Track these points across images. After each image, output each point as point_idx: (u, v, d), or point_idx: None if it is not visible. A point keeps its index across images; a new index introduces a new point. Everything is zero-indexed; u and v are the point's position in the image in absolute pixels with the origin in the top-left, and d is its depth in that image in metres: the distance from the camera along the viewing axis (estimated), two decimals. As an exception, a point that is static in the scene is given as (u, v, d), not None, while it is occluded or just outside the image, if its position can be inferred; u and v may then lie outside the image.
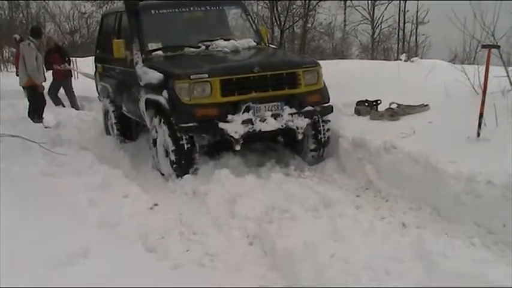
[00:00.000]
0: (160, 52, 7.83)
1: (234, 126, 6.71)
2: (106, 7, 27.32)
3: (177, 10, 8.54)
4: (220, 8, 9.04)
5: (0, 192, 5.85)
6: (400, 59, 13.00)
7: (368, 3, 42.35)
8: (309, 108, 7.12)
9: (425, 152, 5.97)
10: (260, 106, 6.89)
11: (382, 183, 6.41)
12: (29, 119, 11.34)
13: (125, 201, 6.04)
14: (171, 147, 6.93)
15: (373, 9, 42.68)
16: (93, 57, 10.64)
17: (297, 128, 7.00)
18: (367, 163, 6.71)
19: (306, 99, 7.15)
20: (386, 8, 41.71)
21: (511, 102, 6.68)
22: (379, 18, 42.60)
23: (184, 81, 6.76)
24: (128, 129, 9.20)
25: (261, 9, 31.53)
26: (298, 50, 28.76)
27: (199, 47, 7.93)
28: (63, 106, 13.63)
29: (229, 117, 6.74)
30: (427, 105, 7.76)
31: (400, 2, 39.85)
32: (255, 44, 8.40)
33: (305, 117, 7.05)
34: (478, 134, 6.19)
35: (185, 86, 6.74)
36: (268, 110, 6.92)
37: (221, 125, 6.71)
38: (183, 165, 6.95)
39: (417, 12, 38.94)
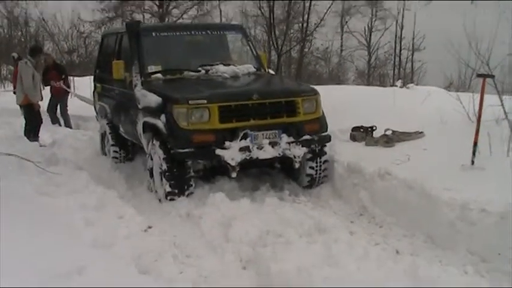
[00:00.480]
0: (159, 75, 7.85)
1: (231, 153, 6.69)
2: (105, 27, 27.44)
3: (177, 33, 8.61)
4: (221, 32, 9.12)
5: (-4, 211, 5.84)
6: (396, 85, 13.05)
7: (365, 29, 42.77)
8: (307, 137, 7.12)
9: (420, 179, 6.02)
10: (258, 133, 6.88)
11: (376, 210, 6.45)
12: (25, 137, 11.33)
13: (120, 222, 6.01)
14: (166, 171, 6.90)
15: (370, 35, 43.14)
16: (92, 76, 10.70)
17: (294, 157, 6.99)
18: (362, 189, 6.75)
19: (304, 127, 7.14)
20: (383, 35, 42.17)
21: (504, 130, 6.74)
22: (375, 44, 43.02)
23: (182, 105, 6.76)
24: (124, 150, 9.21)
25: (259, 33, 31.83)
26: (295, 75, 28.92)
27: (199, 71, 7.96)
28: (60, 125, 13.68)
29: (227, 143, 6.73)
30: (422, 132, 7.82)
31: (396, 29, 40.23)
32: (254, 70, 8.43)
33: (303, 146, 7.05)
34: (473, 162, 6.26)
35: (183, 111, 6.74)
36: (266, 138, 6.91)
37: (218, 151, 6.70)
38: (178, 188, 6.93)
39: (413, 39, 39.28)
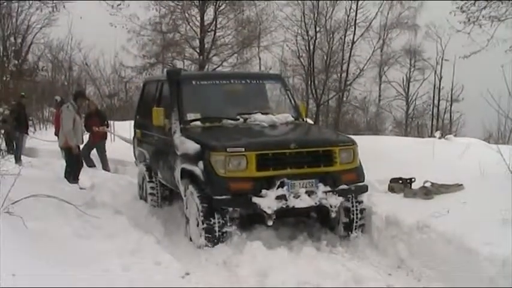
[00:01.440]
0: (198, 122, 7.96)
1: (268, 202, 6.69)
2: (146, 73, 27.93)
3: (217, 82, 8.73)
4: (260, 81, 9.21)
5: (34, 252, 5.91)
6: (435, 136, 12.99)
7: (403, 79, 42.75)
8: (344, 186, 7.11)
9: (459, 232, 5.92)
10: (295, 182, 6.87)
11: (414, 262, 6.35)
12: (65, 179, 11.51)
13: (157, 268, 6.04)
14: (203, 218, 6.92)
15: (408, 85, 43.09)
16: (133, 121, 10.87)
17: (331, 206, 6.96)
18: (400, 241, 6.66)
19: (341, 177, 7.14)
20: (421, 85, 42.09)
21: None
22: (413, 95, 42.91)
23: (220, 153, 6.81)
24: (162, 195, 9.28)
25: (297, 82, 32.04)
26: (333, 124, 28.93)
27: (238, 119, 8.04)
28: (94, 166, 13.89)
29: (263, 192, 6.75)
30: (461, 184, 7.73)
31: (435, 79, 40.13)
32: (292, 119, 8.48)
33: (339, 196, 7.03)
34: (514, 217, 6.14)
35: (221, 158, 6.78)
36: (303, 187, 6.91)
37: (255, 199, 6.71)
38: (214, 236, 6.92)
39: (452, 89, 39.17)
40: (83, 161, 13.20)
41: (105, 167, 14.14)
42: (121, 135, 15.44)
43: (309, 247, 6.73)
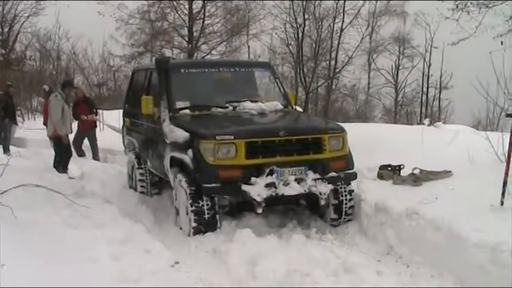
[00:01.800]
0: (187, 111, 7.94)
1: (257, 189, 6.70)
2: (134, 62, 27.81)
3: (206, 70, 8.72)
4: (249, 69, 9.21)
5: (23, 242, 5.89)
6: (423, 123, 13.02)
7: (392, 66, 42.82)
8: (333, 174, 7.13)
9: (448, 219, 5.94)
10: (284, 170, 6.88)
11: (403, 249, 6.38)
12: (55, 169, 11.46)
13: (147, 257, 6.03)
14: (192, 207, 6.92)
15: (397, 73, 43.18)
16: (121, 111, 10.84)
17: (320, 194, 6.98)
18: (389, 228, 6.69)
19: (330, 165, 7.15)
20: (410, 72, 42.17)
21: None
22: (402, 82, 43.03)
23: (209, 141, 6.80)
24: (152, 184, 9.27)
25: (286, 70, 32.00)
26: (322, 112, 28.95)
27: (227, 107, 8.04)
28: (84, 156, 13.84)
29: (253, 179, 6.74)
30: (450, 171, 7.75)
31: (424, 66, 40.21)
32: (282, 107, 8.49)
33: (328, 183, 7.04)
34: (502, 203, 6.16)
35: (210, 146, 6.78)
36: (292, 174, 6.91)
37: (244, 187, 6.71)
38: (204, 224, 6.93)
39: (441, 77, 39.24)
40: (74, 150, 13.17)
41: (95, 156, 14.10)
42: (110, 124, 15.37)
43: (298, 234, 6.74)
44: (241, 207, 7.44)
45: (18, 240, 5.77)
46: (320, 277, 5.33)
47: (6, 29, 32.63)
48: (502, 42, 8.88)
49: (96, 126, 14.43)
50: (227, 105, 8.08)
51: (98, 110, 14.92)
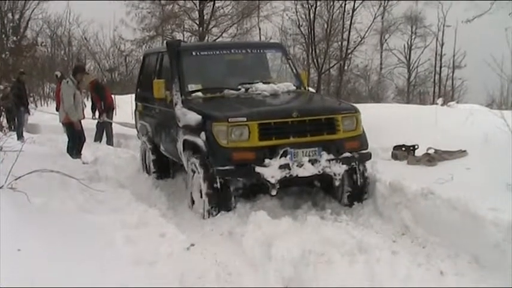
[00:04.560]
0: (199, 93, 7.92)
1: (271, 171, 6.68)
2: (145, 46, 27.79)
3: (217, 52, 8.68)
4: (261, 51, 9.15)
5: (39, 227, 5.91)
6: (437, 103, 12.92)
7: (404, 46, 42.50)
8: (347, 154, 7.07)
9: (464, 198, 5.90)
10: (298, 151, 6.84)
11: (419, 229, 6.34)
12: (68, 154, 11.51)
13: (162, 240, 6.03)
14: (206, 190, 6.93)
15: (410, 53, 42.86)
16: (132, 94, 10.83)
17: (334, 175, 6.95)
18: (404, 208, 6.64)
19: (344, 145, 7.10)
20: (422, 52, 41.86)
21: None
22: (415, 62, 42.72)
23: (222, 123, 6.79)
24: (165, 168, 9.28)
25: (298, 51, 31.83)
26: (335, 93, 28.81)
27: (239, 89, 8.00)
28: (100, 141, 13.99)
29: (266, 161, 6.72)
30: (465, 151, 7.71)
31: (436, 46, 39.87)
32: (294, 88, 8.42)
33: (343, 164, 6.99)
34: (518, 182, 6.13)
35: (223, 129, 6.76)
36: (306, 156, 6.87)
37: (258, 169, 6.69)
38: (218, 206, 6.95)
39: (454, 56, 38.89)
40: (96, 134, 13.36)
41: (109, 141, 14.18)
42: (121, 122, 15.42)
43: (313, 216, 6.71)
44: (256, 190, 7.42)
45: (33, 226, 5.79)
46: (335, 257, 5.30)
47: (17, 16, 32.69)
48: (517, 19, 8.75)
49: (113, 109, 14.51)
50: (239, 87, 8.03)
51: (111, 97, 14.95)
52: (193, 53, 8.47)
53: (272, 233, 6.01)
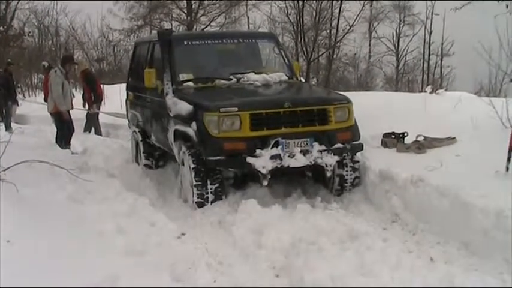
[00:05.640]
0: (191, 83, 7.90)
1: (262, 161, 6.67)
2: (133, 35, 27.66)
3: (209, 42, 8.63)
4: (253, 40, 9.11)
5: (28, 218, 5.88)
6: (425, 91, 12.93)
7: (393, 34, 42.54)
8: (339, 145, 7.06)
9: (453, 185, 5.94)
10: (289, 142, 6.83)
11: (409, 216, 6.38)
12: (57, 145, 11.46)
13: (152, 229, 6.03)
14: (197, 179, 6.92)
15: (398, 41, 42.91)
16: (121, 84, 10.78)
17: (326, 165, 6.95)
18: (394, 196, 6.67)
19: (336, 136, 7.09)
20: (411, 40, 41.90)
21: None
22: (403, 50, 42.77)
23: (213, 113, 6.77)
24: (155, 157, 9.26)
25: (286, 40, 31.77)
26: (324, 81, 28.81)
27: (231, 79, 7.97)
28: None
29: (258, 151, 6.71)
30: (454, 138, 7.74)
31: (425, 34, 39.90)
32: (286, 78, 8.40)
33: (334, 155, 6.99)
34: (507, 169, 6.17)
35: (214, 119, 6.75)
36: (297, 146, 6.87)
37: (249, 159, 6.68)
38: (208, 197, 6.94)
39: (442, 44, 38.88)
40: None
41: (98, 132, 14.13)
42: (111, 112, 15.35)
43: (303, 204, 6.72)
44: (246, 178, 7.42)
45: (23, 216, 5.76)
46: (326, 245, 5.33)
47: (3, 6, 32.36)
48: (507, 6, 8.75)
49: (101, 100, 14.44)
50: (231, 77, 8.00)
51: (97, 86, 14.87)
52: (185, 43, 8.43)
53: (262, 221, 6.02)
